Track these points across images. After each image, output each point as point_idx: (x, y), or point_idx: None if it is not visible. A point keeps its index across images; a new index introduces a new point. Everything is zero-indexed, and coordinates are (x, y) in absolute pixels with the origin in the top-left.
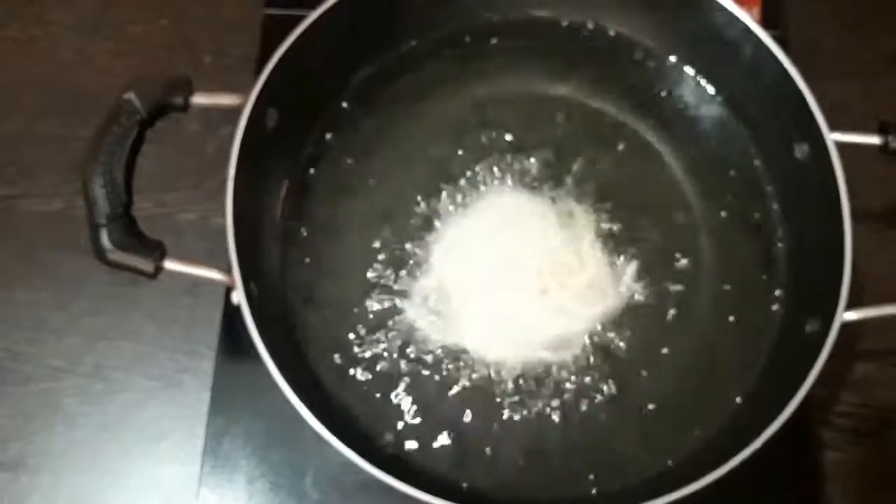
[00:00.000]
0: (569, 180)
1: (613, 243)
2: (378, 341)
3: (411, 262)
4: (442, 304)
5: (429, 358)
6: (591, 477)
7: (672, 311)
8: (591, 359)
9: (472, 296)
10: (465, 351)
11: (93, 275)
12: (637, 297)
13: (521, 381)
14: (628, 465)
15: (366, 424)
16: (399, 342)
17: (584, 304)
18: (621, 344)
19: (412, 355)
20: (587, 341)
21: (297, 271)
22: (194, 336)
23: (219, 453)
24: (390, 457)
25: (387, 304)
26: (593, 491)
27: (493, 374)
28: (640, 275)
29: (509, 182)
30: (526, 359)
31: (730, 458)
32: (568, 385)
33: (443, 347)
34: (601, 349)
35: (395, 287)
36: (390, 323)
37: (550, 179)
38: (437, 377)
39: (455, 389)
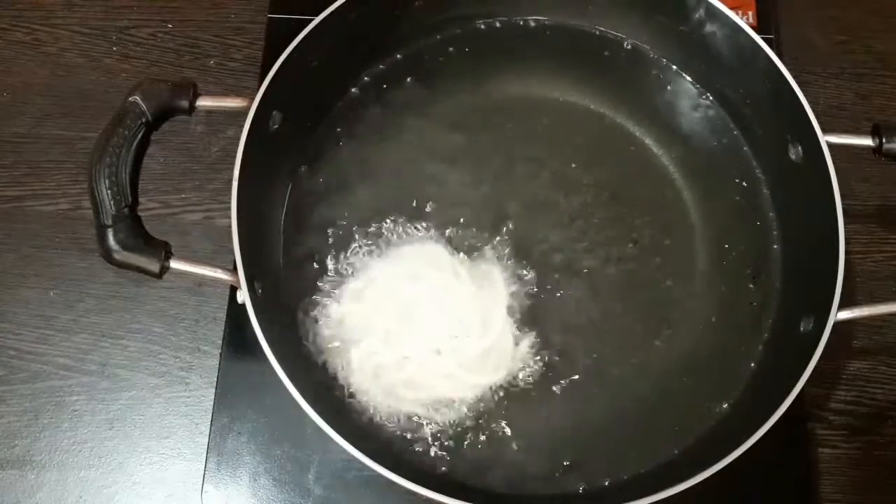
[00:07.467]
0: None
1: (526, 311)
2: None
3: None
4: (345, 333)
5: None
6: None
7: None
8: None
9: (366, 336)
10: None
11: (99, 274)
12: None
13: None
14: (620, 463)
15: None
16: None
17: (475, 372)
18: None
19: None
20: (469, 407)
21: (300, 269)
22: (199, 334)
23: (223, 449)
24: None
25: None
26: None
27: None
28: (536, 346)
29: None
30: (403, 411)
31: (725, 456)
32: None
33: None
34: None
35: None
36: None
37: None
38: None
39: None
